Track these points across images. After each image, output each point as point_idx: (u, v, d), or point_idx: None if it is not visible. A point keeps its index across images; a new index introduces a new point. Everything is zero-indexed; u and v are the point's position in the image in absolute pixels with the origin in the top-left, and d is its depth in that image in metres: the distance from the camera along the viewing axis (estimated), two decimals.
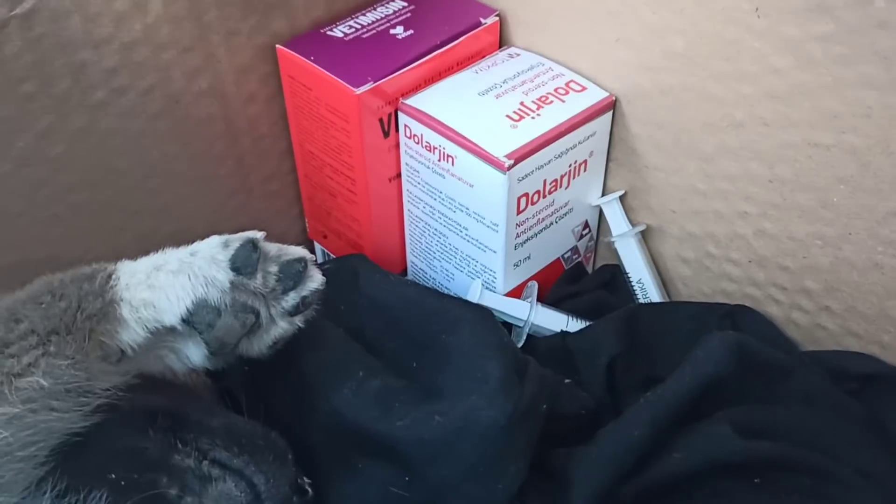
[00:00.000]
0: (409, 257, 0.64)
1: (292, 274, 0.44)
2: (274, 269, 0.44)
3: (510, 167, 0.51)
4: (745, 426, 0.47)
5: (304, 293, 0.45)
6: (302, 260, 0.45)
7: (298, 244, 0.68)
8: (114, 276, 0.42)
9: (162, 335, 0.43)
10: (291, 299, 0.44)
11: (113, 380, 0.42)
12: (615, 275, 0.62)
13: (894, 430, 0.49)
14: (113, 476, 0.41)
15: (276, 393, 0.50)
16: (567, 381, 0.53)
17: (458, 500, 0.43)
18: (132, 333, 0.42)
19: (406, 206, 0.61)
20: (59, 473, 0.39)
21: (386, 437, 0.45)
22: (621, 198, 0.60)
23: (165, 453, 0.42)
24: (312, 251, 0.70)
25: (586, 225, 0.62)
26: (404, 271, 0.65)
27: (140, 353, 0.42)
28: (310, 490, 0.45)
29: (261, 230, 0.64)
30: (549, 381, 0.49)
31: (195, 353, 0.44)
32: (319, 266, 0.58)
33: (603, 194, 0.61)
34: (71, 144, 0.50)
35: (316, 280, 0.45)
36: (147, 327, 0.42)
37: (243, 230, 0.63)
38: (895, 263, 0.48)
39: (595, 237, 0.64)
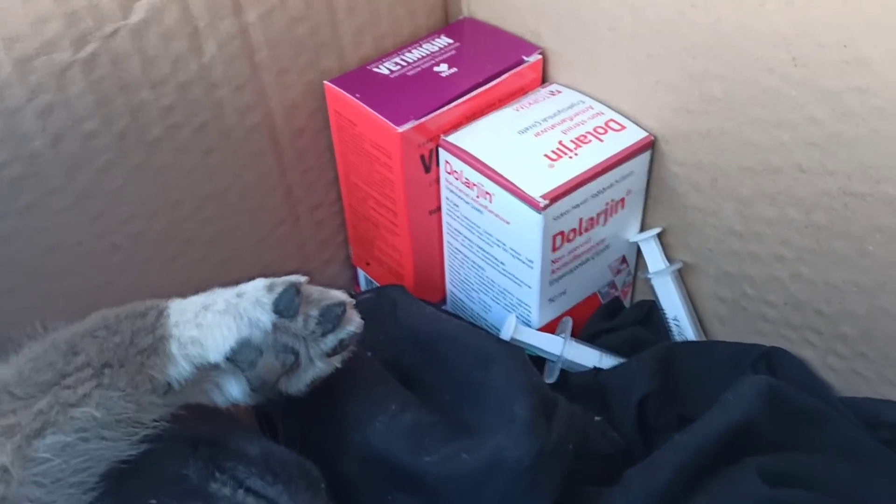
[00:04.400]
0: (449, 287, 0.66)
1: (332, 318, 0.46)
2: (315, 312, 0.46)
3: (546, 207, 0.52)
4: (774, 473, 0.47)
5: (342, 336, 0.46)
6: (342, 304, 0.47)
7: (343, 270, 0.71)
8: (164, 314, 0.45)
9: (207, 371, 0.45)
10: (330, 342, 0.46)
11: (160, 411, 0.44)
12: (651, 311, 0.63)
13: None
14: (154, 501, 0.43)
15: (314, 422, 0.51)
16: (598, 418, 0.54)
17: None
18: (180, 369, 0.44)
19: (446, 238, 0.62)
20: (105, 499, 0.42)
21: (414, 472, 0.46)
22: (659, 235, 0.60)
23: (204, 481, 0.44)
24: (356, 277, 0.72)
25: (624, 260, 0.62)
26: (443, 300, 0.67)
27: (186, 386, 0.45)
28: None
29: (307, 256, 0.67)
30: (578, 420, 0.49)
31: (237, 389, 0.46)
32: (361, 294, 0.60)
33: (641, 230, 0.61)
34: (129, 178, 0.53)
35: (354, 323, 0.47)
36: (194, 363, 0.44)
37: (290, 257, 0.66)
38: None
39: (633, 272, 0.64)
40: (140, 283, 0.57)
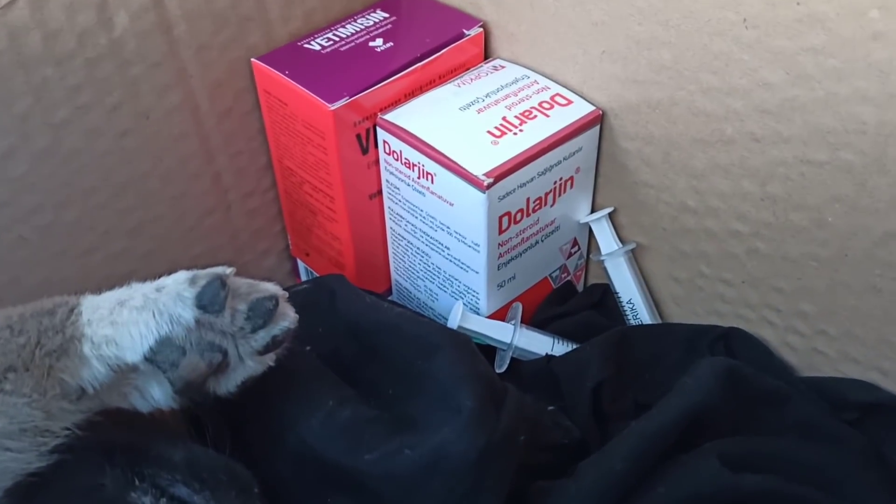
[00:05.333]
0: (394, 276, 0.62)
1: (262, 312, 0.42)
2: (243, 307, 0.42)
3: (489, 186, 0.49)
4: (735, 458, 0.45)
5: (275, 332, 0.42)
6: (273, 298, 0.43)
7: (282, 261, 0.67)
8: (76, 311, 0.40)
9: (124, 373, 0.41)
10: (261, 338, 0.42)
11: (73, 418, 0.40)
12: (605, 294, 0.60)
13: (895, 463, 0.47)
14: None
15: (245, 423, 0.48)
16: (551, 408, 0.51)
17: None
18: (93, 371, 0.40)
19: (388, 223, 0.59)
20: None
21: (354, 471, 0.43)
22: (611, 215, 0.57)
23: (122, 490, 0.40)
24: (296, 268, 0.68)
25: (575, 243, 0.59)
26: (389, 291, 0.63)
27: (102, 390, 0.40)
28: None
29: (241, 248, 0.63)
30: (529, 411, 0.46)
31: (159, 392, 0.42)
32: (298, 285, 0.57)
33: (592, 211, 0.58)
34: (34, 165, 0.49)
35: (288, 318, 0.43)
36: (109, 365, 0.40)
37: (222, 249, 0.62)
38: (893, 287, 0.45)
39: (585, 255, 0.61)
40: (53, 279, 0.52)
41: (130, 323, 0.40)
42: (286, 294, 0.43)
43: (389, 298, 0.62)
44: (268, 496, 0.44)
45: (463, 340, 0.48)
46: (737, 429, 0.48)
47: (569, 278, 0.61)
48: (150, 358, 0.40)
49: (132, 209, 0.55)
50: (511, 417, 0.44)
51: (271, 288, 0.43)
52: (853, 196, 0.44)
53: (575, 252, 0.60)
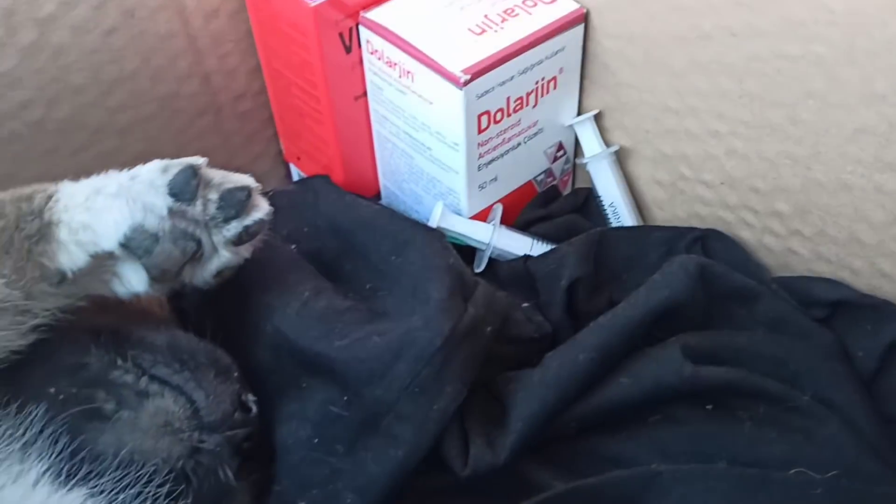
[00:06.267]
0: (381, 180, 0.63)
1: (234, 202, 0.43)
2: (215, 196, 0.43)
3: (466, 83, 0.49)
4: (699, 351, 0.46)
5: (248, 223, 0.44)
6: (245, 188, 0.44)
7: (275, 166, 0.68)
8: (53, 198, 0.42)
9: (102, 259, 0.42)
10: (234, 228, 0.43)
11: (55, 301, 0.42)
12: (588, 198, 0.60)
13: (860, 358, 0.48)
14: (52, 390, 0.41)
15: (228, 312, 0.49)
16: (525, 304, 0.52)
17: (393, 420, 0.43)
18: (71, 256, 0.41)
19: (374, 126, 0.59)
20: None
21: (326, 358, 0.44)
22: (596, 118, 0.57)
23: (105, 369, 0.42)
24: (290, 174, 0.69)
25: (560, 147, 0.60)
26: (378, 195, 0.64)
27: (81, 276, 0.42)
28: (254, 407, 0.45)
29: (233, 151, 0.64)
30: (498, 304, 0.47)
31: (136, 279, 0.43)
32: (285, 187, 0.58)
33: (578, 115, 0.58)
34: (21, 60, 0.50)
35: (261, 210, 0.44)
36: (86, 251, 0.41)
37: (214, 151, 0.63)
38: (863, 184, 0.45)
39: (572, 160, 0.62)
40: (46, 177, 0.53)
41: (105, 210, 0.41)
42: (259, 186, 0.44)
43: (364, 200, 0.62)
44: (249, 381, 0.46)
45: (435, 236, 0.49)
46: (707, 325, 0.49)
47: (554, 182, 0.61)
48: (125, 244, 0.41)
49: (122, 108, 0.56)
50: (478, 308, 0.45)
51: (244, 179, 0.44)
52: (825, 91, 0.44)
53: (560, 156, 0.60)
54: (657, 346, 0.46)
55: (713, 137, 0.51)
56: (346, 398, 0.44)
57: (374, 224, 0.50)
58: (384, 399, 0.43)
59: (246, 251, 0.45)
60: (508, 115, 0.54)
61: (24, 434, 0.38)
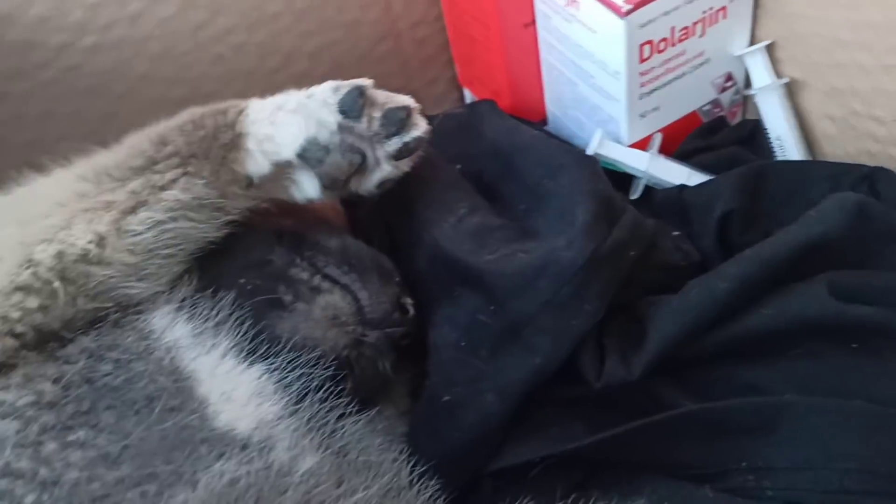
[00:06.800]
0: (548, 106, 0.65)
1: (395, 121, 0.48)
2: (378, 114, 0.47)
3: (628, 12, 0.50)
4: (846, 289, 0.45)
5: (407, 139, 0.48)
6: (405, 108, 0.48)
7: (450, 90, 0.72)
8: (243, 112, 0.48)
9: (283, 167, 0.48)
10: (394, 144, 0.48)
11: (244, 202, 0.48)
12: (755, 131, 0.59)
13: None
14: (241, 280, 0.48)
15: (394, 224, 0.54)
16: (676, 233, 0.53)
17: (533, 331, 0.46)
18: (257, 163, 0.47)
19: (542, 53, 0.61)
20: (197, 273, 0.47)
21: (476, 270, 0.48)
22: (768, 49, 0.56)
23: (286, 266, 0.49)
24: (463, 98, 0.72)
25: (730, 77, 0.59)
26: (544, 121, 0.66)
27: (265, 182, 0.48)
28: (411, 309, 0.50)
29: (410, 75, 0.69)
30: (644, 231, 0.49)
31: (310, 186, 0.49)
32: (454, 110, 0.61)
33: (750, 45, 0.57)
34: None
35: (420, 128, 0.48)
36: (269, 159, 0.47)
37: (392, 75, 0.68)
38: None
39: (742, 92, 0.61)
40: (245, 95, 0.60)
41: (285, 124, 0.47)
42: (419, 107, 0.48)
43: (539, 125, 0.64)
44: (409, 286, 0.51)
45: (587, 162, 0.51)
46: (859, 264, 0.48)
47: (721, 114, 0.61)
48: (301, 154, 0.47)
49: (311, 34, 0.61)
50: (623, 233, 0.47)
51: (405, 99, 0.48)
52: None
53: (730, 86, 0.60)
54: (803, 281, 0.46)
55: (886, 73, 0.49)
56: (492, 308, 0.48)
57: (531, 149, 0.53)
58: (525, 310, 0.46)
59: (405, 165, 0.50)
60: (673, 44, 0.54)
61: (217, 314, 0.45)
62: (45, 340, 0.41)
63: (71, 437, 0.38)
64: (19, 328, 0.41)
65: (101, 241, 0.43)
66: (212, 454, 0.38)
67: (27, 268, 0.41)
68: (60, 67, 0.56)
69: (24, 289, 0.41)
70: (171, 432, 0.39)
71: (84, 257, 0.43)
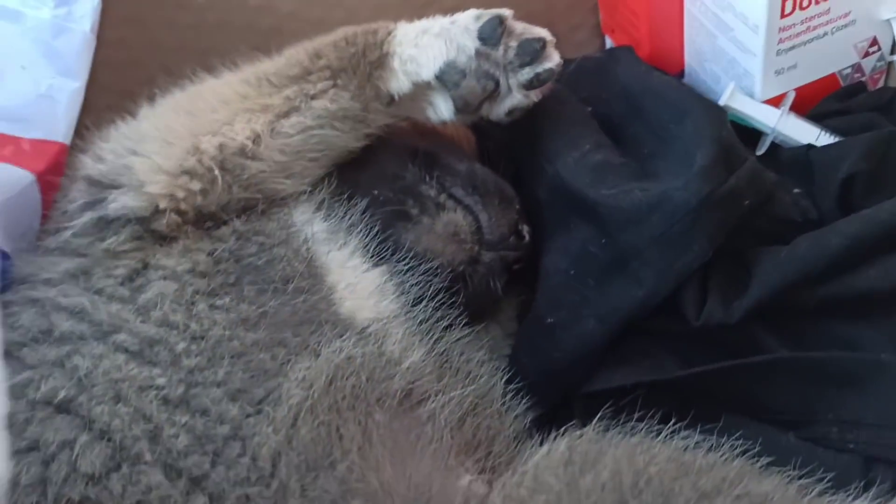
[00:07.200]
0: (686, 58, 0.66)
1: (530, 51, 0.50)
2: (514, 44, 0.50)
3: None
4: None
5: (539, 70, 0.51)
6: (541, 40, 0.50)
7: (592, 37, 0.74)
8: (392, 33, 0.52)
9: (422, 88, 0.52)
10: (527, 73, 0.51)
11: (384, 118, 0.53)
12: (894, 100, 0.58)
13: None
14: (375, 191, 0.52)
15: (520, 154, 0.57)
16: (797, 190, 0.53)
17: (640, 264, 0.48)
18: (399, 82, 0.51)
19: (686, 4, 0.62)
20: (336, 178, 0.52)
21: (592, 202, 0.50)
22: None
23: (416, 182, 0.53)
24: (604, 46, 0.74)
25: (874, 42, 0.58)
26: (681, 74, 0.67)
27: (405, 100, 0.53)
28: (527, 236, 0.54)
29: (554, 19, 0.71)
30: (762, 182, 0.50)
31: (444, 108, 0.53)
32: (594, 54, 0.63)
33: None
34: None
35: (552, 60, 0.51)
36: (410, 79, 0.51)
37: (536, 18, 0.69)
38: None
39: (887, 57, 0.60)
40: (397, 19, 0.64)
41: (428, 46, 0.50)
42: (554, 40, 0.51)
43: (657, 71, 0.65)
44: (528, 213, 0.54)
45: (714, 110, 0.52)
46: None
47: (862, 79, 0.60)
48: (439, 77, 0.50)
49: None
50: (740, 181, 0.48)
51: (541, 32, 0.51)
52: None
53: (874, 52, 0.59)
54: None
55: None
56: (603, 241, 0.50)
57: (661, 92, 0.54)
58: (635, 244, 0.48)
59: (535, 95, 0.53)
60: (817, 2, 0.54)
61: (350, 217, 0.50)
62: (204, 220, 0.47)
63: (218, 302, 0.43)
64: (183, 206, 0.47)
65: (256, 139, 0.49)
66: (334, 332, 0.43)
67: (194, 154, 0.47)
68: None
69: (190, 173, 0.47)
70: (302, 309, 0.44)
71: (242, 151, 0.48)
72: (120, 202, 0.46)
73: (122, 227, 0.46)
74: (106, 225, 0.46)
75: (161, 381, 0.39)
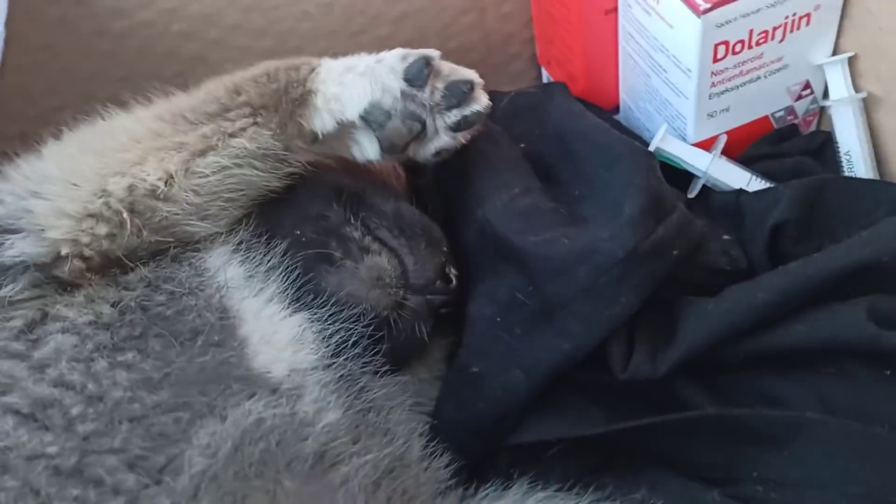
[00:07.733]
0: (622, 95, 0.65)
1: (457, 93, 0.49)
2: (441, 86, 0.49)
3: (706, 11, 0.50)
4: (888, 315, 0.45)
5: (467, 112, 0.49)
6: (468, 82, 0.49)
7: (528, 68, 0.73)
8: (315, 70, 0.50)
9: (346, 127, 0.50)
10: (454, 116, 0.49)
11: (306, 156, 0.51)
12: (826, 143, 0.58)
13: None
14: (297, 232, 0.50)
15: (450, 195, 0.56)
16: (727, 237, 0.53)
17: (567, 316, 0.47)
18: (322, 120, 0.49)
19: (620, 41, 0.61)
20: (256, 217, 0.50)
21: (520, 250, 0.49)
22: (850, 62, 0.55)
23: (340, 224, 0.51)
24: (541, 77, 0.73)
25: (807, 85, 0.58)
26: (616, 109, 0.66)
27: (329, 139, 0.51)
28: (454, 280, 0.52)
29: (490, 49, 0.70)
30: (692, 232, 0.49)
31: (370, 148, 0.51)
32: (527, 88, 0.62)
33: (832, 55, 0.56)
34: None
35: (480, 103, 0.50)
36: (334, 117, 0.49)
37: (473, 48, 0.69)
38: None
39: (819, 102, 0.59)
40: (327, 53, 0.62)
41: (353, 86, 0.48)
42: (482, 82, 0.50)
43: (609, 113, 0.65)
44: (457, 255, 0.53)
45: (644, 156, 0.51)
46: None
47: (795, 122, 0.60)
48: (364, 116, 0.49)
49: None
50: (668, 231, 0.48)
51: (469, 74, 0.49)
52: None
53: (806, 95, 0.59)
54: (844, 302, 0.46)
55: None
56: (530, 288, 0.49)
57: (592, 136, 0.53)
58: (562, 295, 0.47)
59: (463, 137, 0.51)
60: (750, 47, 0.53)
61: (269, 260, 0.48)
62: (109, 266, 0.45)
63: (120, 358, 0.41)
64: (87, 252, 0.44)
65: (169, 180, 0.46)
66: (243, 392, 0.41)
67: (100, 197, 0.45)
68: (159, 9, 0.59)
69: (96, 216, 0.44)
70: (210, 366, 0.42)
71: (153, 193, 0.46)
72: (17, 248, 0.43)
73: (21, 274, 0.43)
74: (2, 272, 0.43)
75: (52, 449, 0.37)
